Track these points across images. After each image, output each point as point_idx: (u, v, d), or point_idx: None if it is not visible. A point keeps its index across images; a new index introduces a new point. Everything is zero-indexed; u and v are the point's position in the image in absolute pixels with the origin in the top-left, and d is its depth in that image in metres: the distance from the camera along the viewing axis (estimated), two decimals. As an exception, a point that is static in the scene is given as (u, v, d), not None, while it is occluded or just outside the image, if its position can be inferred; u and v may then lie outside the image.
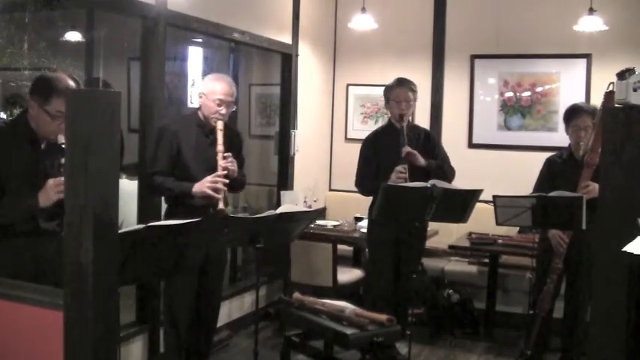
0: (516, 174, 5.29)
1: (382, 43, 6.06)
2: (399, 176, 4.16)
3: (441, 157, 4.49)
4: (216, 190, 3.52)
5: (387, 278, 4.42)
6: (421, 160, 4.27)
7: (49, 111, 2.82)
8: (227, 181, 3.56)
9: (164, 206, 3.87)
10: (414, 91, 4.47)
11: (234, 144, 3.80)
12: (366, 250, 5.20)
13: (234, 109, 3.88)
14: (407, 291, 4.38)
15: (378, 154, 4.47)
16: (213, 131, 3.63)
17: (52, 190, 2.74)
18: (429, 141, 4.56)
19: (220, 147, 3.56)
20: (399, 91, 4.42)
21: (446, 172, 4.37)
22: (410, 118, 4.56)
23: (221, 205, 3.51)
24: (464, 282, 5.34)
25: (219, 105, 3.65)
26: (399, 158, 4.24)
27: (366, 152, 4.56)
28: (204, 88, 3.73)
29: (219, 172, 3.54)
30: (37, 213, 2.82)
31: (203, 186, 3.52)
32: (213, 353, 4.25)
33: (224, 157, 3.56)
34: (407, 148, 4.24)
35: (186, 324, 3.69)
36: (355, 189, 4.61)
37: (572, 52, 5.47)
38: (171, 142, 3.63)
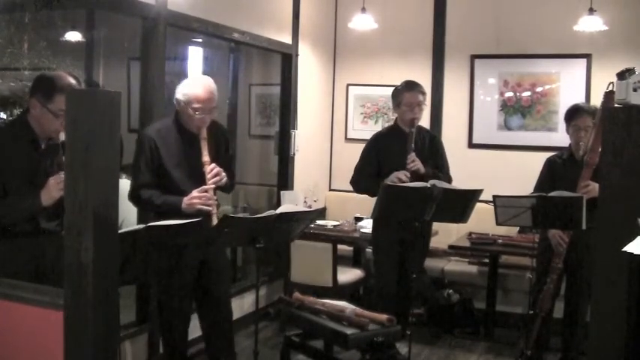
0: (516, 174, 5.29)
1: (382, 43, 6.06)
2: (400, 180, 4.13)
3: (441, 165, 4.48)
4: (206, 204, 3.38)
5: (392, 279, 4.41)
6: (422, 169, 4.24)
7: (53, 109, 2.82)
8: (215, 197, 3.45)
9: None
10: (424, 94, 4.42)
11: (220, 143, 3.65)
12: (366, 250, 5.21)
13: (216, 108, 3.54)
14: (409, 291, 4.38)
15: (382, 157, 4.44)
16: (195, 137, 3.44)
17: (54, 188, 2.75)
18: (434, 145, 4.54)
19: (206, 158, 3.40)
20: (410, 95, 4.34)
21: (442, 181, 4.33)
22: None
23: (215, 220, 3.34)
24: (464, 282, 5.34)
25: (198, 114, 3.41)
26: (404, 163, 4.20)
27: (369, 153, 4.52)
28: (180, 94, 3.46)
29: (207, 186, 3.39)
30: (39, 212, 2.82)
31: (192, 201, 3.37)
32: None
33: (211, 170, 3.39)
34: (413, 156, 4.22)
35: (181, 329, 3.58)
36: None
37: (572, 52, 5.47)
38: (151, 149, 3.43)
